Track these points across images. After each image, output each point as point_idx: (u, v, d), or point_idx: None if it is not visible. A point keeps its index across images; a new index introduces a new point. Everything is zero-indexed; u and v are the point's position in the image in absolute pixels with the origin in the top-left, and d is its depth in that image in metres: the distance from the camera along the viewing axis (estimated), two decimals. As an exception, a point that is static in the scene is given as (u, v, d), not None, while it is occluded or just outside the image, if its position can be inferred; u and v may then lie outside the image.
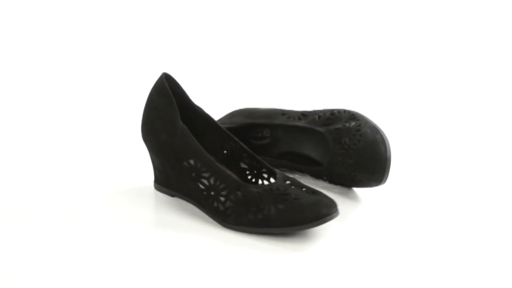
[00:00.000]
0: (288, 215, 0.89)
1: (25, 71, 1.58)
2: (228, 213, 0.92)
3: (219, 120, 1.16)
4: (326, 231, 0.93)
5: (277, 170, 0.97)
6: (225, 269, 0.83)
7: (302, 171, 1.10)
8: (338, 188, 1.07)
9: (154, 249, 0.87)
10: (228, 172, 0.95)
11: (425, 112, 1.53)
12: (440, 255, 0.88)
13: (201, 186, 0.94)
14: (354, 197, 1.05)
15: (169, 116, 0.96)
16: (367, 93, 1.67)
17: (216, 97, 1.48)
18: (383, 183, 1.01)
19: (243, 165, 1.02)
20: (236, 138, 1.01)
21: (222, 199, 0.92)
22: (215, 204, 0.93)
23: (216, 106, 1.24)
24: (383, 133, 1.01)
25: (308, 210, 0.89)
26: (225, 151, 1.03)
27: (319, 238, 0.91)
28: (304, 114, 1.09)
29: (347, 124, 1.03)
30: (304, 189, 0.93)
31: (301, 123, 1.08)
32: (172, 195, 1.00)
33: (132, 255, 0.85)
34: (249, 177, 1.01)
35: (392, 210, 1.01)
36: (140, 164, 1.11)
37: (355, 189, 1.07)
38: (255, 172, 1.01)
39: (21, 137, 1.27)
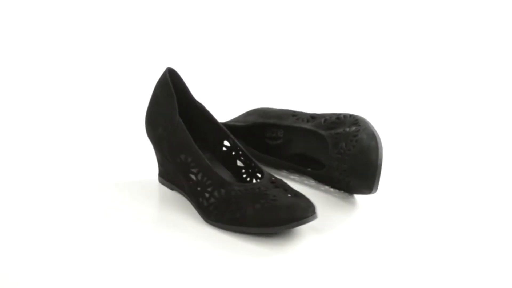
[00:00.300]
0: (262, 216, 0.90)
1: (34, 66, 1.61)
2: (211, 209, 0.93)
3: (236, 118, 1.18)
4: (308, 235, 0.93)
5: (265, 170, 0.97)
6: (188, 268, 0.84)
7: (305, 174, 1.09)
8: (340, 193, 1.06)
9: (127, 242, 0.89)
10: (215, 169, 0.97)
11: (442, 124, 1.46)
12: (429, 266, 0.87)
13: (190, 182, 0.96)
14: (353, 204, 1.03)
15: (168, 111, 0.99)
16: (394, 99, 1.62)
17: (243, 97, 1.49)
18: (375, 191, 0.98)
19: (240, 164, 1.03)
20: (232, 137, 1.03)
21: (207, 195, 0.94)
22: (200, 199, 0.95)
23: (239, 105, 1.26)
24: (380, 140, 0.98)
25: (282, 212, 0.89)
26: (224, 149, 1.04)
27: (298, 242, 0.91)
28: (313, 117, 1.09)
29: (348, 129, 1.02)
30: (286, 190, 0.93)
31: (307, 126, 1.08)
32: (172, 189, 1.03)
33: (108, 248, 0.88)
34: (244, 175, 1.02)
35: (387, 219, 0.99)
36: (151, 157, 1.14)
37: (356, 196, 1.05)
38: (250, 171, 1.02)
39: (23, 130, 1.29)
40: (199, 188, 0.95)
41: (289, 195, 0.92)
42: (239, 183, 0.94)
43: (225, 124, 1.14)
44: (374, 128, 1.01)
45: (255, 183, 0.93)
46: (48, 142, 1.23)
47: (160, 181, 1.05)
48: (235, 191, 0.92)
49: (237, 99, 1.43)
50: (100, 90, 1.55)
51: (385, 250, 0.91)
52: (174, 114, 0.98)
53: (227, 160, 1.04)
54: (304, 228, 0.93)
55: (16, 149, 1.20)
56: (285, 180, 1.08)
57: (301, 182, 1.09)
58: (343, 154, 1.00)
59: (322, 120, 1.06)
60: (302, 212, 0.89)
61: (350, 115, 1.05)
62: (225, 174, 1.02)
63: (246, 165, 1.02)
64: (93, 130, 1.32)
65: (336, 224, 0.97)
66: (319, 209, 0.99)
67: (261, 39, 1.80)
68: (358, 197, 1.04)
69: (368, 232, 0.96)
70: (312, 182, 1.09)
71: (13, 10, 1.68)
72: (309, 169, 1.08)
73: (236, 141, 1.02)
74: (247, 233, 0.91)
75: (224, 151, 1.04)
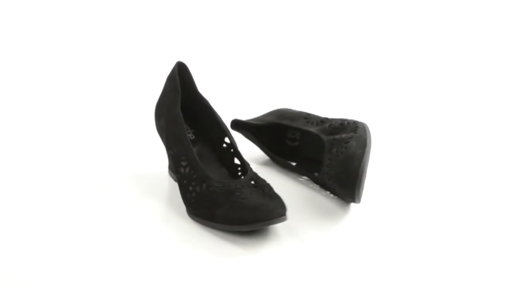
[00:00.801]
0: (230, 214, 0.91)
1: (47, 61, 1.66)
2: (191, 202, 0.96)
3: (257, 117, 1.19)
4: (284, 237, 0.92)
5: (250, 169, 0.98)
6: (150, 263, 0.87)
7: (310, 178, 1.08)
8: (338, 200, 1.04)
9: (103, 232, 0.94)
10: (207, 165, 0.99)
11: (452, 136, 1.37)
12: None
13: (178, 174, 0.99)
14: (346, 211, 1.00)
15: (171, 103, 1.02)
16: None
17: (279, 97, 1.49)
18: (358, 201, 0.96)
19: (237, 161, 1.05)
20: (231, 135, 1.04)
21: (190, 188, 0.96)
22: (185, 192, 0.97)
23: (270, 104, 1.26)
24: (368, 149, 0.96)
25: (248, 212, 0.90)
26: (224, 146, 1.06)
27: (272, 242, 0.91)
28: (322, 121, 1.08)
29: (344, 135, 1.00)
30: (264, 191, 0.93)
31: (313, 129, 1.07)
32: (175, 180, 1.07)
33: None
34: (240, 173, 1.04)
35: (375, 230, 0.96)
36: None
37: (352, 204, 1.02)
38: (245, 169, 1.03)
39: (32, 124, 1.33)
40: (185, 181, 0.98)
41: (264, 196, 0.92)
42: (219, 180, 0.95)
43: (244, 121, 1.16)
44: (369, 136, 0.98)
45: (232, 181, 0.94)
46: (62, 137, 1.27)
47: (169, 173, 1.09)
48: (213, 187, 0.94)
49: (271, 99, 1.43)
50: (121, 84, 1.59)
51: (354, 261, 0.89)
52: (175, 107, 1.01)
53: (225, 157, 1.05)
54: (281, 229, 0.94)
55: (26, 142, 1.24)
56: (294, 182, 1.09)
57: (306, 185, 1.08)
58: (332, 160, 0.98)
59: (327, 125, 1.05)
60: (267, 213, 0.89)
61: (354, 122, 1.03)
62: (220, 171, 1.04)
63: (242, 163, 1.03)
64: (111, 123, 1.35)
65: (321, 229, 0.96)
66: (311, 213, 1.00)
67: (292, 40, 1.81)
68: (354, 205, 1.02)
69: (348, 240, 0.93)
70: (316, 186, 1.08)
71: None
72: (316, 174, 1.07)
73: (233, 139, 1.03)
74: (217, 229, 0.93)
75: (224, 148, 1.06)
